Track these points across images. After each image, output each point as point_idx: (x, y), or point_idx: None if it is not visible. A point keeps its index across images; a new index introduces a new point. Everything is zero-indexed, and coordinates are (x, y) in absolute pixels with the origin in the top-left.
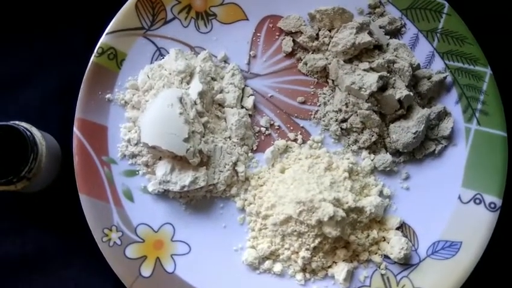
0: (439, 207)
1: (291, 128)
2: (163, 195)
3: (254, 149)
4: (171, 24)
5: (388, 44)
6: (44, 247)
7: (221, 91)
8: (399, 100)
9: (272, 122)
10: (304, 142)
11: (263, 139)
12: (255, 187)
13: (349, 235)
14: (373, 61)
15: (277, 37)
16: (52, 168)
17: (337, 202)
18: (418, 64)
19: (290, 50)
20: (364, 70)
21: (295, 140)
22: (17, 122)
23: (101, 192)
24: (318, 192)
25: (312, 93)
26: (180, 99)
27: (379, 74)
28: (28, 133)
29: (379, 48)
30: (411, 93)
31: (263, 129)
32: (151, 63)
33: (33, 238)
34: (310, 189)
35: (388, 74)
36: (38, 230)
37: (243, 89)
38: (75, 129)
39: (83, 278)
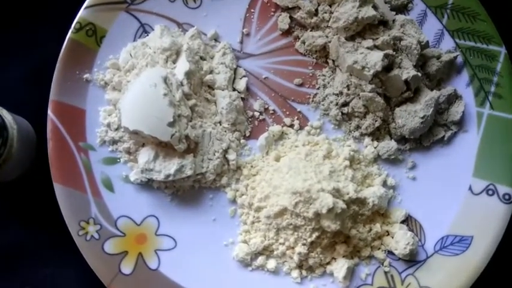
0: (448, 199)
1: (287, 112)
2: (147, 185)
3: (247, 135)
4: None
5: (394, 20)
6: (17, 241)
7: (211, 72)
8: (406, 81)
9: (266, 106)
10: (301, 128)
11: (257, 124)
12: (248, 177)
13: (349, 229)
14: (377, 38)
15: (272, 13)
16: (25, 155)
17: (336, 193)
18: (427, 42)
19: (287, 27)
20: (368, 48)
21: (291, 126)
22: None
23: (77, 182)
24: (316, 182)
25: (311, 74)
26: (165, 79)
27: (384, 52)
28: None
29: (384, 24)
30: (419, 74)
31: (257, 113)
32: (134, 40)
33: (6, 232)
34: (307, 179)
35: (394, 53)
36: (12, 223)
37: (235, 70)
38: (49, 112)
39: (60, 274)
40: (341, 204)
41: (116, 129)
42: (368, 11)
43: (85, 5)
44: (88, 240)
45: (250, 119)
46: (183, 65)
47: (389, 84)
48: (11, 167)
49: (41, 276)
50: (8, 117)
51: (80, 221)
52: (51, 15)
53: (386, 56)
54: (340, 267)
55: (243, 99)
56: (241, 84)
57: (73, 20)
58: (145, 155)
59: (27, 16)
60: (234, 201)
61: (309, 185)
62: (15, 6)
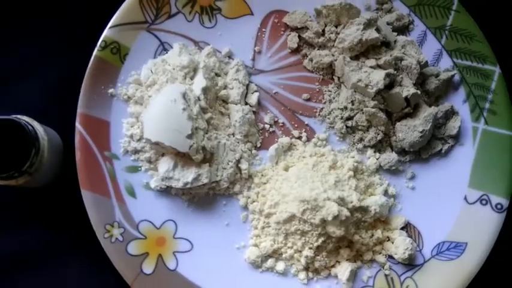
0: (445, 207)
1: (296, 125)
2: (166, 191)
3: (258, 146)
4: (175, 19)
5: (395, 41)
6: (45, 243)
7: (225, 87)
8: (406, 98)
9: (276, 119)
10: (308, 140)
11: (267, 136)
12: (258, 185)
13: (353, 234)
14: (380, 58)
15: (282, 33)
16: (54, 163)
17: (341, 201)
18: (426, 61)
19: (295, 46)
20: (371, 67)
21: (299, 138)
22: (18, 116)
23: (103, 188)
24: (323, 191)
25: (317, 90)
26: (184, 95)
27: (386, 71)
28: (30, 127)
29: (386, 45)
30: (418, 92)
31: (267, 126)
32: (154, 57)
33: (35, 234)
34: (314, 188)
35: (395, 72)
36: (40, 226)
37: (247, 85)
38: (77, 124)
39: (85, 275)
40: (345, 212)
41: (138, 140)
42: (371, 34)
43: (110, 24)
44: (113, 243)
45: (261, 131)
46: (200, 82)
47: (390, 100)
48: (41, 175)
49: (66, 276)
50: (39, 128)
51: (105, 224)
52: (76, 29)
53: (388, 75)
54: (344, 270)
55: (254, 112)
56: (253, 98)
57: (96, 35)
58: (165, 164)
59: (55, 29)
60: (245, 207)
61: (316, 193)
62: (44, 20)
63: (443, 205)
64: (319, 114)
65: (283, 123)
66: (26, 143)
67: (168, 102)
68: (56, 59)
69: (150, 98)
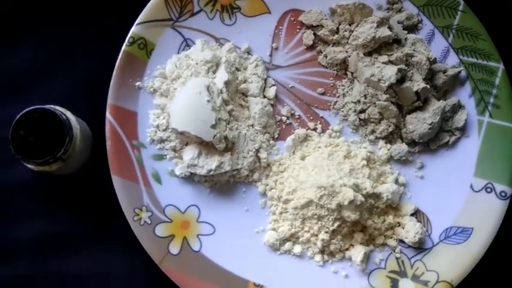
0: (452, 195)
1: (311, 117)
2: (189, 178)
3: (275, 137)
4: (198, 16)
5: (406, 39)
6: (74, 227)
7: (245, 81)
8: (416, 92)
9: (293, 112)
10: (323, 131)
11: (284, 128)
12: (276, 173)
13: (366, 220)
14: (391, 54)
15: (298, 30)
16: (84, 151)
17: (356, 187)
18: (435, 58)
19: (311, 43)
20: (383, 63)
21: (314, 129)
22: (52, 106)
23: (131, 174)
24: (339, 178)
25: (331, 84)
26: (208, 88)
27: (398, 66)
28: (64, 117)
29: (397, 42)
30: (428, 86)
31: (284, 118)
32: (178, 53)
33: (66, 218)
34: (330, 175)
35: (406, 67)
36: (69, 211)
37: (265, 80)
38: (107, 114)
39: (113, 258)
40: (360, 197)
41: (164, 130)
42: (384, 31)
43: (137, 21)
44: (142, 225)
45: (278, 123)
46: (222, 75)
47: (401, 94)
48: (73, 161)
49: (97, 257)
50: (72, 118)
51: (134, 208)
52: (101, 26)
53: (399, 70)
54: (358, 252)
55: (272, 105)
56: (270, 92)
57: (122, 33)
58: (190, 153)
59: (85, 25)
60: (264, 194)
61: (333, 180)
62: (76, 17)
63: (450, 193)
64: (333, 107)
65: (299, 115)
66: (61, 131)
67: (193, 95)
68: (85, 54)
69: (176, 90)
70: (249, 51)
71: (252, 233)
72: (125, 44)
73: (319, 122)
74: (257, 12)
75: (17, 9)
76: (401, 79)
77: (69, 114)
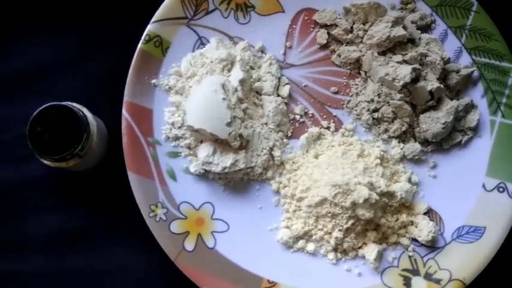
0: (464, 194)
1: (324, 116)
2: (204, 176)
3: (289, 135)
4: (212, 15)
5: (420, 38)
6: (89, 224)
7: (259, 79)
8: (430, 92)
9: (306, 110)
10: (336, 130)
11: (297, 126)
12: (290, 171)
13: (380, 218)
14: (406, 54)
15: (312, 29)
16: (100, 148)
17: (370, 186)
18: (449, 58)
19: (324, 42)
20: (398, 62)
21: (328, 128)
22: (69, 103)
23: (147, 171)
24: (353, 176)
25: (345, 83)
26: (223, 86)
27: (413, 66)
28: (81, 113)
29: (411, 41)
30: (442, 86)
31: (297, 117)
32: (193, 51)
33: (80, 215)
34: (345, 174)
35: (420, 67)
36: (85, 207)
37: (279, 78)
38: (124, 111)
39: (128, 254)
40: (375, 196)
41: (179, 128)
42: (399, 31)
43: (153, 19)
44: (157, 222)
45: (291, 121)
46: (237, 74)
47: (415, 94)
48: (89, 158)
49: (112, 253)
50: (89, 115)
51: (150, 204)
52: (116, 24)
53: (414, 69)
54: (371, 250)
55: (286, 104)
56: (284, 90)
57: (137, 31)
58: (205, 150)
59: (100, 23)
60: (277, 192)
61: (348, 178)
62: (83, 14)
63: (462, 192)
64: (346, 106)
65: (312, 114)
66: (78, 128)
67: (209, 92)
68: (100, 52)
69: (191, 88)
70: (262, 50)
71: (266, 231)
72: (141, 41)
73: (332, 120)
74: (271, 11)
75: (34, 5)
76: (416, 78)
77: (85, 110)
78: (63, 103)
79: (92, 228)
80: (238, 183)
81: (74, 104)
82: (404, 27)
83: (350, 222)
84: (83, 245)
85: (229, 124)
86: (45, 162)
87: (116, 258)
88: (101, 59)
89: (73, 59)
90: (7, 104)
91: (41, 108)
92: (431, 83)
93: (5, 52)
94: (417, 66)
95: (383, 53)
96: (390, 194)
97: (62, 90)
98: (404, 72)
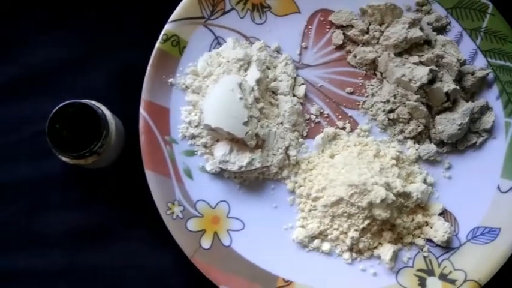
0: (479, 195)
1: (340, 116)
2: (219, 174)
3: (304, 135)
4: (229, 15)
5: (435, 40)
6: (106, 221)
7: (275, 79)
8: (446, 93)
9: (322, 111)
10: (352, 130)
11: (313, 126)
12: (305, 171)
13: (395, 218)
14: (422, 55)
15: (327, 30)
16: (118, 145)
17: (387, 186)
18: (465, 60)
19: (340, 42)
20: (414, 63)
21: (343, 128)
22: (88, 101)
23: (164, 169)
24: (370, 177)
25: (360, 84)
26: (240, 85)
27: (430, 67)
28: (100, 111)
29: (428, 43)
30: (458, 87)
31: (313, 117)
32: (209, 50)
33: (97, 212)
34: (362, 174)
35: (437, 68)
36: (102, 204)
37: (294, 78)
38: (141, 110)
39: (144, 250)
40: (392, 196)
41: (196, 126)
42: (416, 32)
43: (171, 19)
44: (174, 219)
45: (307, 121)
46: (254, 73)
47: (432, 95)
48: (108, 155)
49: (128, 250)
50: (107, 113)
51: (167, 202)
52: (131, 23)
53: (431, 70)
54: (387, 251)
55: (301, 104)
56: (300, 91)
57: (152, 30)
58: (221, 149)
59: (114, 23)
60: (292, 191)
61: (364, 178)
62: (99, 13)
63: (477, 193)
64: (361, 107)
65: (328, 114)
66: (97, 125)
67: (226, 92)
68: (116, 51)
69: (208, 87)
70: (278, 50)
71: (281, 230)
72: (158, 41)
73: (347, 121)
74: (287, 12)
75: (51, 3)
76: (432, 80)
77: (104, 108)
78: (83, 101)
79: (108, 225)
80: (253, 182)
81: (93, 102)
82: (421, 29)
83: (366, 222)
84: (100, 242)
85: (246, 123)
86: (64, 159)
87: (133, 254)
88: (117, 57)
89: (89, 58)
90: (24, 101)
91: (60, 105)
92: (448, 84)
93: (22, 50)
94: (434, 67)
95: (399, 54)
96: (406, 195)
97: (77, 88)
98: (421, 74)
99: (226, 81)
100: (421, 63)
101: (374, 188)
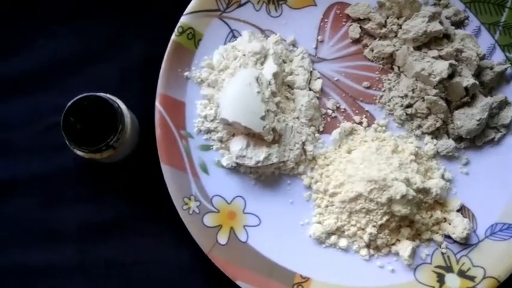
0: (497, 191)
1: (356, 111)
2: (235, 169)
3: (320, 130)
4: (244, 8)
5: (454, 34)
6: (120, 215)
7: (291, 73)
8: (465, 88)
9: (338, 105)
10: (369, 125)
11: (329, 121)
12: (322, 166)
13: (414, 215)
14: (441, 49)
15: (344, 23)
16: (133, 139)
17: (407, 182)
18: (484, 55)
19: (357, 36)
20: (433, 57)
21: (360, 123)
22: (103, 94)
23: (180, 163)
24: (389, 172)
25: (377, 78)
26: (257, 79)
27: (450, 61)
28: (116, 105)
29: (447, 37)
30: (477, 82)
31: (329, 111)
32: (224, 43)
33: (112, 206)
34: (381, 169)
35: (456, 63)
36: (116, 199)
37: (310, 72)
38: (157, 103)
39: (159, 245)
40: (412, 192)
41: (211, 121)
42: (436, 26)
43: (186, 11)
44: (190, 214)
45: (323, 116)
46: (271, 67)
47: (451, 89)
48: (123, 149)
49: (143, 245)
50: (123, 106)
51: (183, 197)
52: (146, 16)
53: (451, 65)
54: (405, 247)
55: (317, 98)
56: (316, 85)
57: (167, 23)
58: (238, 144)
59: (128, 16)
60: (309, 187)
61: (384, 174)
62: (115, 6)
63: (495, 189)
64: (379, 101)
65: (344, 109)
66: (113, 119)
67: (243, 86)
68: (129, 44)
69: (224, 81)
70: (294, 44)
71: (297, 226)
72: (174, 33)
73: (364, 116)
74: (303, 5)
75: None
76: (451, 74)
77: (119, 102)
78: (98, 94)
79: (122, 219)
80: (269, 178)
81: (108, 95)
82: (441, 22)
83: (385, 219)
84: (114, 237)
85: (263, 118)
86: (79, 153)
87: (147, 249)
88: (130, 50)
89: (102, 51)
90: (37, 94)
91: (75, 98)
92: (467, 79)
93: (35, 43)
94: (453, 61)
95: (418, 48)
96: (425, 191)
97: (91, 82)
98: (441, 68)
99: (244, 75)
100: (440, 57)
101: (394, 184)
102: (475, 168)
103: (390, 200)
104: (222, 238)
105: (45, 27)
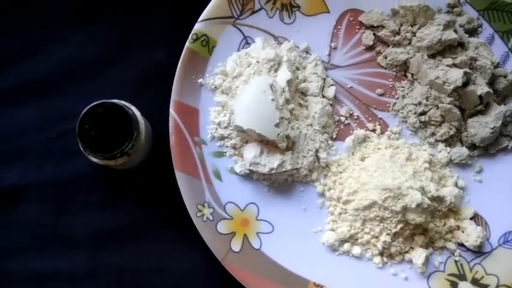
0: (511, 199)
1: (370, 118)
2: (248, 176)
3: (333, 137)
4: (258, 15)
5: (468, 42)
6: (133, 222)
7: (304, 80)
8: (480, 96)
9: (351, 112)
10: (382, 133)
11: (342, 128)
12: (335, 173)
13: (428, 223)
14: (456, 57)
15: (357, 30)
16: (147, 146)
17: (422, 190)
18: (498, 63)
19: (371, 43)
20: (448, 66)
21: (373, 131)
22: (118, 101)
23: (194, 170)
24: (404, 180)
25: (391, 86)
26: (271, 86)
27: (464, 69)
28: (131, 111)
29: (461, 45)
30: (491, 90)
31: (342, 118)
32: (238, 50)
33: (124, 213)
34: (396, 177)
35: (470, 71)
36: (129, 205)
37: (324, 79)
38: (171, 110)
39: (172, 251)
40: (427, 201)
41: (225, 127)
42: (450, 34)
43: (200, 18)
44: (204, 221)
45: (336, 123)
46: (284, 74)
47: (465, 98)
48: (137, 156)
49: (156, 251)
50: (137, 113)
51: (197, 204)
52: (158, 23)
53: (465, 73)
54: (419, 255)
55: (331, 105)
56: (329, 92)
57: (178, 30)
58: (252, 151)
59: (142, 23)
60: (322, 194)
61: (399, 182)
62: (127, 13)
63: (508, 197)
64: (392, 109)
65: (357, 116)
66: (128, 126)
67: (258, 93)
68: (143, 51)
69: (238, 88)
70: (307, 51)
71: (310, 233)
72: (188, 40)
73: (377, 123)
74: (316, 12)
75: (79, 3)
76: (466, 82)
77: (134, 109)
78: (113, 101)
79: (135, 226)
80: (282, 184)
81: (123, 102)
82: (455, 31)
83: (399, 227)
84: (128, 243)
85: (277, 125)
86: (93, 159)
87: (160, 256)
88: (144, 57)
89: (116, 58)
90: (51, 101)
91: (90, 105)
92: (481, 87)
93: (49, 50)
94: (468, 70)
95: (432, 56)
96: (440, 199)
97: (105, 88)
98: (456, 76)
99: (258, 82)
100: (455, 65)
101: (409, 192)
102: (488, 176)
103: (405, 209)
104: (236, 245)
105: (60, 33)
